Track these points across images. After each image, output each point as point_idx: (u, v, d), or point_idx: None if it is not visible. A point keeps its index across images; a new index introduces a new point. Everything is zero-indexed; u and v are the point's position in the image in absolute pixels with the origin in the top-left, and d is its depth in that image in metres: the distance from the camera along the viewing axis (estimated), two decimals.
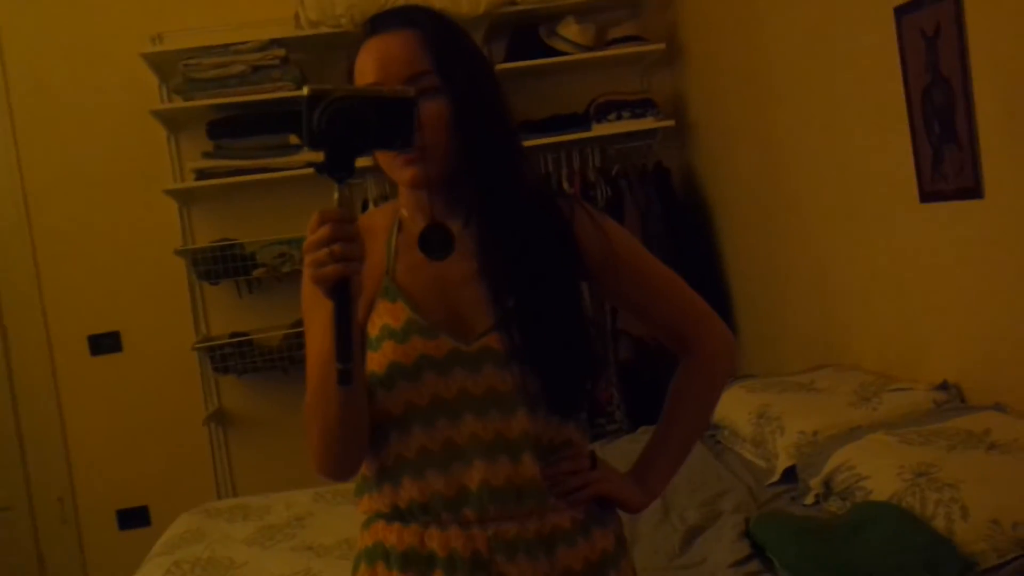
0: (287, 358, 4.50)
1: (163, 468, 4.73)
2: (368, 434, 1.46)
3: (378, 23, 1.50)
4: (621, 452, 2.90)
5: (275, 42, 4.29)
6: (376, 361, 1.45)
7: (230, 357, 4.55)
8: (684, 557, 2.35)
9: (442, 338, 1.45)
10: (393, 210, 1.58)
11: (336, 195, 1.29)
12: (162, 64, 4.41)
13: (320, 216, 1.27)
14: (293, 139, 4.32)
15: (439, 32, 1.49)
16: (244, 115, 4.38)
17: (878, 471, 2.31)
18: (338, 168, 1.28)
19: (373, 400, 1.45)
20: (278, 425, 4.68)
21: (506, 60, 4.39)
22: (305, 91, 1.29)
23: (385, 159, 1.49)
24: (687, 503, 2.62)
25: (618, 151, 4.51)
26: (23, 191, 4.62)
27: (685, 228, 4.37)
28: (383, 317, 1.47)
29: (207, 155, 4.39)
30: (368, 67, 1.47)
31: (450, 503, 1.44)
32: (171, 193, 4.48)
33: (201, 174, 4.38)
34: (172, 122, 4.55)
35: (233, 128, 4.38)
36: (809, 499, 2.52)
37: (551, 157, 4.43)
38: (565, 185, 4.36)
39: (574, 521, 1.49)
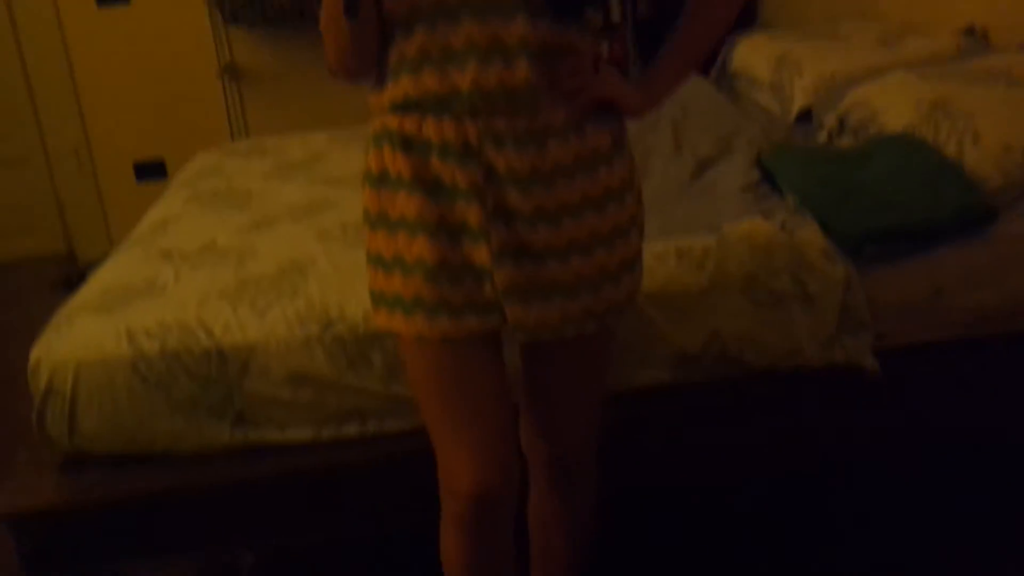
0: (298, 12, 4.40)
1: (178, 121, 4.74)
2: (377, 45, 1.49)
3: None
4: None
5: None
6: None
7: (240, 8, 4.45)
8: (695, 184, 2.38)
9: None
10: None
11: None
12: None
13: None
14: None
15: None
16: None
17: (893, 105, 2.31)
18: None
19: (382, 3, 1.45)
20: (291, 79, 4.65)
21: None
22: None
23: None
24: (700, 139, 2.63)
25: None
26: None
27: None
28: None
29: None
30: None
31: (442, 99, 1.47)
32: None
33: None
34: None
35: None
36: (822, 136, 2.53)
37: None
38: None
39: (567, 120, 1.50)
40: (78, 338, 1.96)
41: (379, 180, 1.54)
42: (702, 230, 2.10)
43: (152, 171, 4.81)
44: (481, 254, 1.50)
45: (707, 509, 2.51)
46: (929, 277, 1.99)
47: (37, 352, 1.96)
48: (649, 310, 1.98)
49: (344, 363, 1.97)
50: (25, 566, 1.98)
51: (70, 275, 4.36)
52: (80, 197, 4.93)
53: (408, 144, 1.50)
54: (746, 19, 3.77)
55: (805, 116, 2.73)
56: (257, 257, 2.24)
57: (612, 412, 1.95)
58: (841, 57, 2.75)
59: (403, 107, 1.50)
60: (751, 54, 3.08)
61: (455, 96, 1.46)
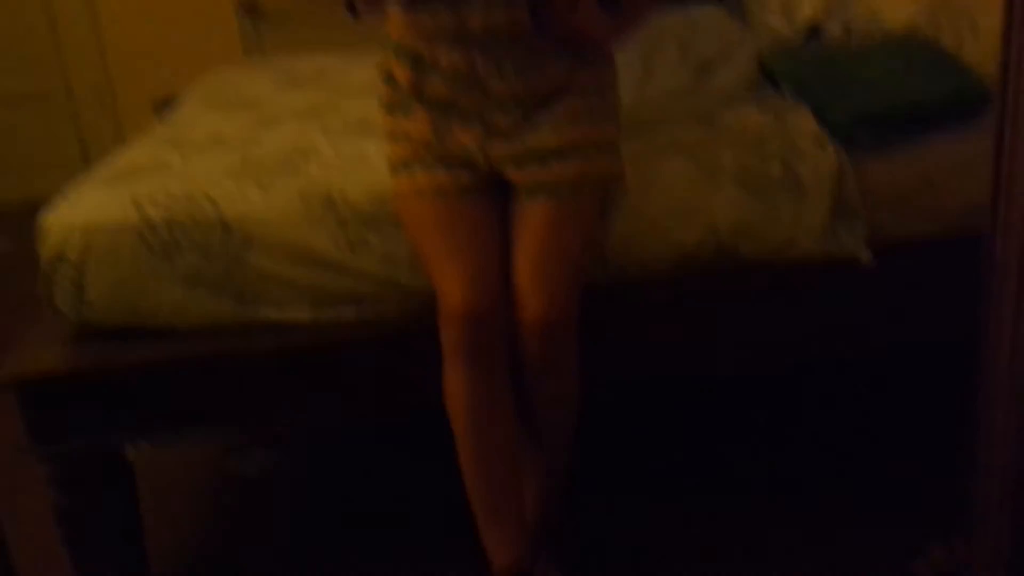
0: None
1: (195, 57, 4.77)
2: None
3: None
4: None
5: None
6: None
7: None
8: (696, 83, 2.40)
9: None
10: None
11: None
12: None
13: None
14: None
15: None
16: None
17: (896, 3, 2.32)
18: None
19: None
20: (311, 18, 4.68)
21: None
22: None
23: None
24: (705, 46, 2.64)
25: None
26: None
27: None
28: None
29: None
30: None
31: (454, 35, 1.79)
32: None
33: None
34: None
35: None
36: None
37: None
38: None
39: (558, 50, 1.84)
40: (87, 205, 2.02)
41: (389, 79, 1.91)
42: (698, 123, 2.13)
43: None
44: (471, 137, 1.85)
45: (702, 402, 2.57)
46: (921, 167, 2.00)
47: (47, 218, 2.01)
48: (645, 205, 2.01)
49: (344, 243, 2.00)
50: (32, 437, 2.02)
51: None
52: (100, 133, 4.98)
53: (415, 62, 1.85)
54: None
55: (814, 35, 2.73)
56: (262, 145, 2.29)
57: (609, 305, 2.00)
58: None
59: (419, 37, 1.84)
60: None
61: (465, 33, 1.78)
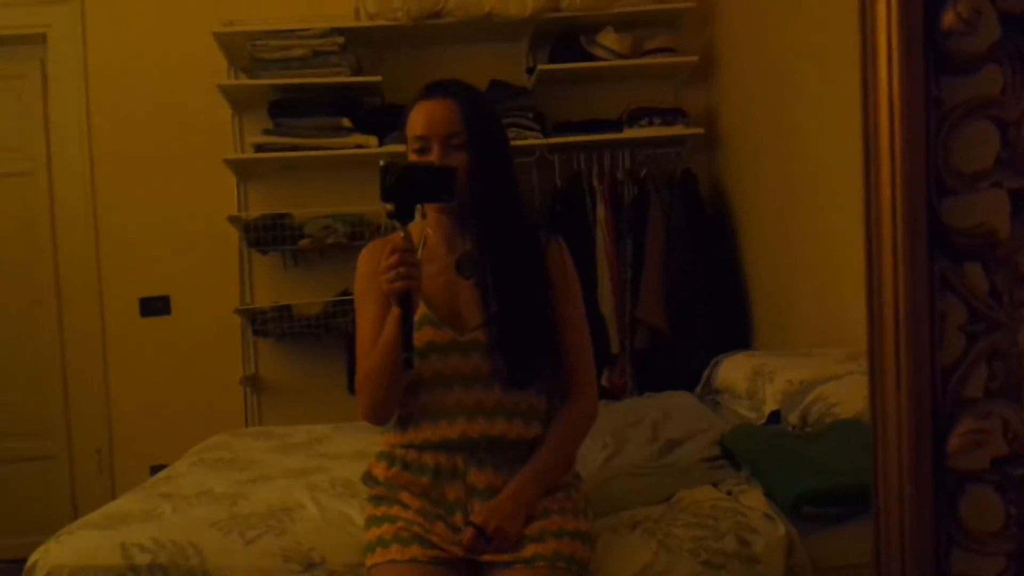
0: (323, 325, 4.76)
1: (198, 427, 4.95)
2: (400, 400, 2.05)
3: (429, 90, 2.05)
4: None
5: (335, 31, 4.59)
6: None
7: (270, 322, 4.81)
8: (661, 460, 2.56)
9: (444, 329, 2.03)
10: (421, 229, 2.09)
11: (402, 233, 1.85)
12: (231, 46, 4.69)
13: (392, 248, 1.83)
14: (345, 122, 4.60)
15: (471, 104, 2.02)
16: (303, 97, 4.67)
17: (848, 398, 2.52)
18: (403, 215, 1.83)
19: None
20: (308, 390, 4.93)
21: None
22: (381, 163, 1.82)
23: None
24: (675, 430, 2.83)
25: (648, 156, 4.70)
26: (90, 155, 4.94)
27: (707, 228, 4.59)
28: None
29: (267, 132, 4.67)
30: (419, 122, 2.00)
31: (436, 445, 2.02)
32: (230, 164, 4.74)
33: (260, 148, 4.63)
34: (237, 102, 4.83)
35: (292, 108, 4.66)
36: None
37: (583, 156, 4.66)
38: (595, 183, 4.61)
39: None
40: (76, 547, 2.10)
41: (369, 479, 2.12)
42: (658, 500, 2.27)
43: None
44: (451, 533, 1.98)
45: None
46: (867, 540, 2.10)
47: (36, 556, 2.09)
48: None
49: None
50: None
51: None
52: (95, 496, 5.05)
53: (406, 464, 2.05)
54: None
55: (775, 417, 2.93)
56: (249, 500, 2.40)
57: None
58: (809, 367, 2.99)
59: (408, 446, 2.06)
60: (732, 370, 3.33)
61: (446, 444, 2.01)
